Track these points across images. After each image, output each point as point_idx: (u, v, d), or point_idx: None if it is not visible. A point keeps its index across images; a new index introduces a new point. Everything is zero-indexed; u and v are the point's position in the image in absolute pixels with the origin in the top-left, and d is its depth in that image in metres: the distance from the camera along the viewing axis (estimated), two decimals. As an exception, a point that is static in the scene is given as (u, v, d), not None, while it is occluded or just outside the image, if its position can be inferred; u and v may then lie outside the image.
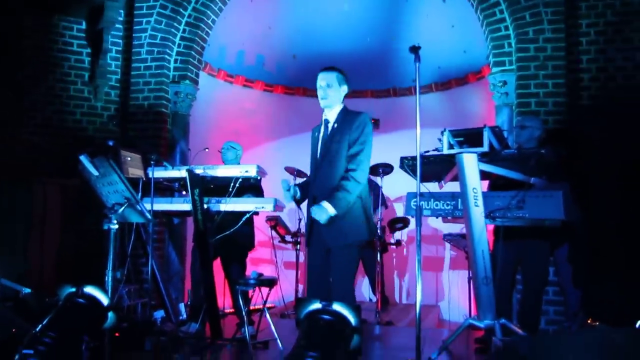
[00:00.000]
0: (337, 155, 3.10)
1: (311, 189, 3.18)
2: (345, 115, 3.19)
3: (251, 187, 4.39)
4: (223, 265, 4.58)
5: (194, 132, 5.90)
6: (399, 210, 7.07)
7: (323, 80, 3.21)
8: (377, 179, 6.07)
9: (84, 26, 5.84)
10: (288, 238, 6.21)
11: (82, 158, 3.23)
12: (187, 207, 3.94)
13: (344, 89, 3.24)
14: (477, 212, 3.39)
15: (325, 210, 2.95)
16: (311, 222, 3.09)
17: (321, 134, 3.23)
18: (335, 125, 3.17)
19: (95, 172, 3.23)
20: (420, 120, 3.12)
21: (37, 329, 2.61)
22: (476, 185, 3.40)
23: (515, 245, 3.80)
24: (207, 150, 4.63)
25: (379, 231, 5.52)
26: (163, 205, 4.12)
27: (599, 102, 4.81)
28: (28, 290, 3.99)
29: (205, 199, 3.87)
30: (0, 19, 5.46)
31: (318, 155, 3.19)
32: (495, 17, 5.10)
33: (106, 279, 3.31)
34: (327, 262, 3.08)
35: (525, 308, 3.88)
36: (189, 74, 5.77)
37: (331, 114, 3.22)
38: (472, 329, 4.16)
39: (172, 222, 5.56)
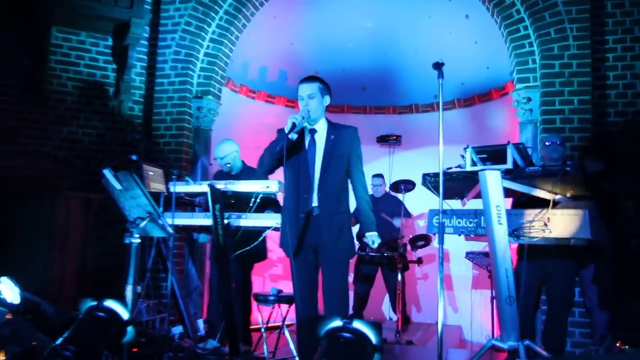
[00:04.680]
0: (339, 170, 3.08)
1: (307, 200, 3.02)
2: (336, 128, 3.15)
3: (271, 202, 4.40)
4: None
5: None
6: (421, 228, 7.02)
7: (304, 91, 3.12)
8: (399, 196, 6.05)
9: (110, 42, 5.98)
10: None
11: (106, 172, 3.28)
12: (207, 221, 3.95)
13: (327, 99, 3.17)
14: (501, 230, 3.35)
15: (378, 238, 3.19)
16: (304, 229, 3.00)
17: (310, 145, 3.10)
18: (332, 137, 3.10)
19: (118, 186, 3.28)
20: (442, 137, 3.11)
21: (58, 342, 2.63)
22: (500, 203, 3.36)
23: (540, 264, 3.74)
24: (228, 165, 4.66)
25: (400, 249, 5.48)
26: (184, 219, 4.15)
27: (626, 118, 4.73)
28: (49, 303, 4.04)
29: (226, 214, 3.89)
30: (29, 35, 5.62)
31: (316, 168, 3.07)
32: (519, 33, 5.08)
33: (126, 293, 3.34)
34: (315, 275, 3.08)
35: (550, 329, 3.80)
36: (211, 89, 5.85)
37: (318, 126, 3.14)
38: (495, 351, 4.08)
39: (192, 237, 5.59)
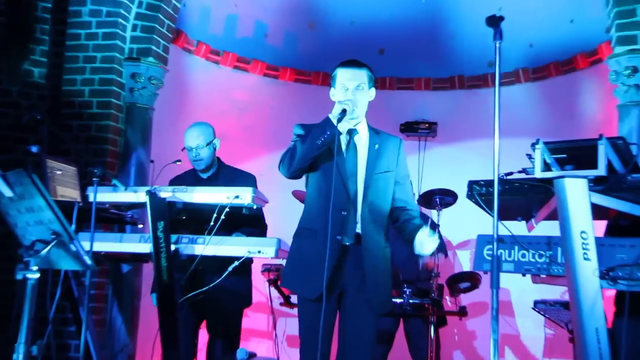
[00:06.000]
0: (386, 189, 3.42)
1: (346, 218, 3.29)
2: (380, 135, 3.49)
3: (254, 219, 4.36)
4: (210, 335, 4.60)
5: (159, 135, 5.94)
6: (465, 262, 7.02)
7: (351, 78, 3.38)
8: (432, 213, 6.03)
9: (-5, -29, 5.96)
10: (295, 299, 6.15)
11: (-11, 171, 3.25)
12: (145, 247, 3.94)
13: (373, 92, 3.48)
14: (588, 268, 3.34)
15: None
16: (338, 261, 3.24)
17: (349, 149, 3.41)
18: (376, 145, 3.42)
19: (8, 192, 3.24)
20: (500, 126, 3.09)
21: None
22: (586, 228, 3.35)
23: (649, 322, 3.73)
24: (179, 163, 4.64)
25: (433, 293, 5.47)
26: (109, 244, 4.13)
27: None
28: None
29: (174, 237, 3.88)
30: None
31: (358, 180, 3.37)
32: (622, -32, 5.10)
33: (15, 356, 3.30)
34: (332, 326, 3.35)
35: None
36: (153, 47, 5.83)
37: (359, 126, 3.44)
38: None
39: (120, 271, 5.57)
